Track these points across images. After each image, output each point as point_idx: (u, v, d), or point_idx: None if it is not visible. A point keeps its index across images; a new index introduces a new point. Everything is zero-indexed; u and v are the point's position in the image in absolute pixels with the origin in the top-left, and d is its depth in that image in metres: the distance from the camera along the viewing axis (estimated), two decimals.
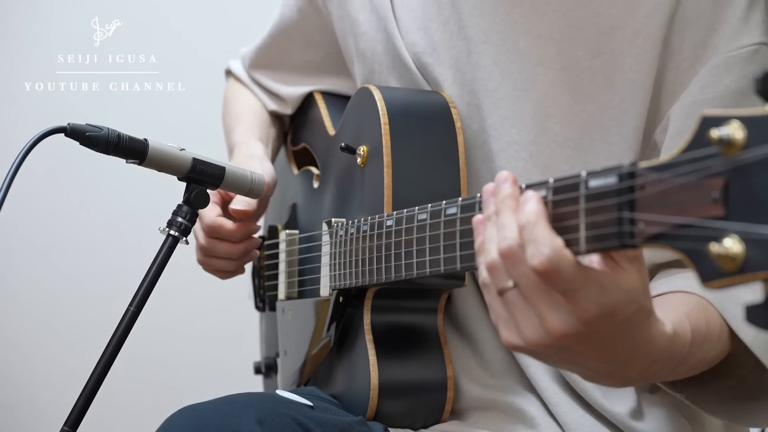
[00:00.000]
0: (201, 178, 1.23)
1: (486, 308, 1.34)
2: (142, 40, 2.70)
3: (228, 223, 1.45)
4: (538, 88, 1.25)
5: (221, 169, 1.24)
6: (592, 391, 1.26)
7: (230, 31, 2.79)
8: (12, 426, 2.75)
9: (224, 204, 1.49)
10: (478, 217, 0.92)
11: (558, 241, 0.83)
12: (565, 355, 0.89)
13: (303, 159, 1.66)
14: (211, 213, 1.45)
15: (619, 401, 1.25)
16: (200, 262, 1.54)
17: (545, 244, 0.83)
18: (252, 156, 1.53)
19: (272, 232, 1.66)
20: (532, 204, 0.85)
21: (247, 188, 1.28)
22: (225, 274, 1.55)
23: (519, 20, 1.26)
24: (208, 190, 1.26)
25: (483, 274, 0.90)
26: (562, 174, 0.86)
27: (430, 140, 1.29)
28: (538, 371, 1.28)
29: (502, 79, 1.27)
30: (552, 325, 0.85)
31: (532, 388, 1.31)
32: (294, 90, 1.66)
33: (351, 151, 1.34)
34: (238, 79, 1.77)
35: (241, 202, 1.44)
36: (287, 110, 1.69)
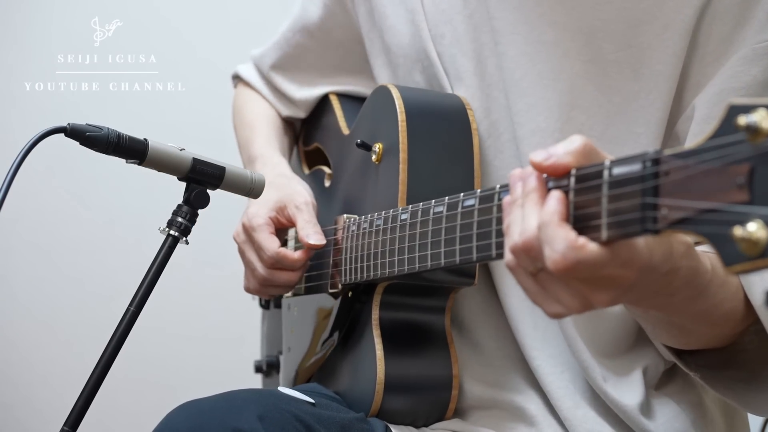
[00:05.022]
0: (201, 178, 1.23)
1: (487, 307, 1.34)
2: (142, 40, 2.69)
3: (291, 254, 1.43)
4: (564, 79, 1.27)
5: (221, 169, 1.24)
6: (603, 382, 1.27)
7: (230, 31, 2.79)
8: (12, 426, 2.75)
9: (277, 230, 1.47)
10: (507, 199, 0.93)
11: (571, 236, 0.85)
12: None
13: (314, 159, 1.67)
14: (272, 244, 1.43)
15: (629, 392, 1.26)
16: (252, 291, 1.51)
17: (559, 243, 0.85)
18: (283, 175, 1.53)
19: None
20: (552, 204, 0.87)
21: (248, 188, 1.28)
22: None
23: (546, 12, 1.28)
24: (209, 190, 1.26)
25: (508, 256, 0.91)
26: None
27: (445, 139, 1.31)
28: (544, 364, 1.29)
29: (529, 68, 1.29)
30: (598, 300, 0.88)
31: (534, 384, 1.31)
32: (309, 93, 1.65)
33: (367, 147, 1.36)
34: (248, 85, 1.76)
35: (314, 236, 1.41)
36: (300, 114, 1.69)
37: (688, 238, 0.95)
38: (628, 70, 1.24)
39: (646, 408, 1.27)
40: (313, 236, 1.40)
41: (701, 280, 0.99)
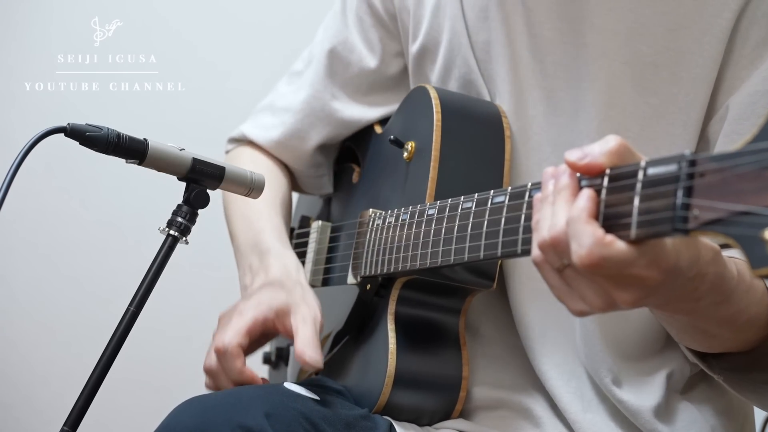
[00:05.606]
0: (201, 178, 1.23)
1: (499, 314, 1.35)
2: (142, 40, 2.69)
3: (240, 362, 1.31)
4: (601, 79, 1.28)
5: (221, 169, 1.24)
6: (612, 385, 1.27)
7: (230, 31, 2.79)
8: (11, 426, 2.74)
9: (261, 334, 1.35)
10: (538, 196, 0.95)
11: (599, 232, 0.85)
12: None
13: (345, 156, 1.67)
14: (234, 338, 1.31)
15: (647, 395, 1.27)
16: (206, 372, 1.38)
17: (586, 239, 0.85)
18: (299, 283, 1.39)
19: (304, 222, 1.67)
20: (582, 200, 0.88)
21: (248, 188, 1.28)
22: None
23: (586, 16, 1.29)
24: (209, 190, 1.25)
25: (535, 252, 0.92)
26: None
27: (478, 143, 1.33)
28: (552, 371, 1.30)
29: (571, 70, 1.30)
30: (622, 299, 0.88)
31: (542, 389, 1.32)
32: (356, 112, 1.57)
33: (399, 144, 1.37)
34: (258, 147, 1.62)
35: (311, 354, 1.28)
36: (339, 137, 1.60)
37: (716, 245, 0.95)
38: (666, 73, 1.26)
39: (663, 411, 1.27)
40: (310, 354, 1.28)
41: (727, 286, 0.99)
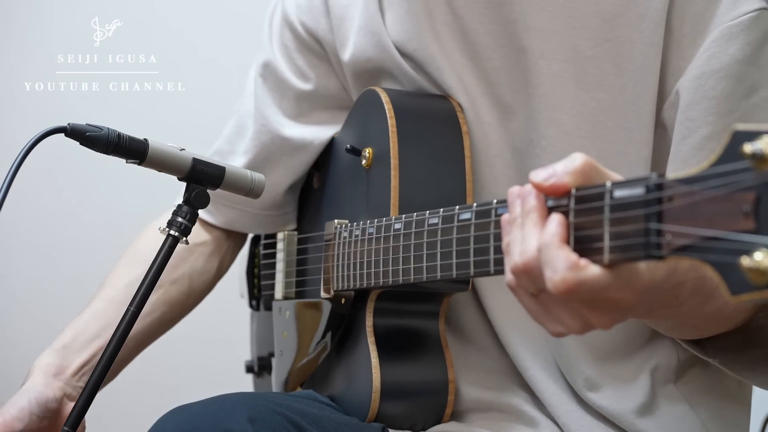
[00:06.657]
0: (201, 178, 1.23)
1: (482, 310, 1.34)
2: (142, 40, 2.69)
3: None
4: (543, 82, 1.25)
5: (221, 169, 1.24)
6: (587, 391, 1.27)
7: (230, 30, 2.79)
8: None
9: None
10: (505, 217, 0.93)
11: (572, 258, 0.84)
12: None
13: None
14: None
15: (628, 397, 1.26)
16: None
17: (561, 265, 0.84)
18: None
19: None
20: (552, 226, 0.86)
21: (248, 188, 1.28)
22: None
23: (518, 18, 1.26)
24: (209, 190, 1.25)
25: (509, 277, 0.91)
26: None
27: (436, 143, 1.29)
28: (537, 375, 1.29)
29: (514, 75, 1.28)
30: (598, 322, 0.87)
31: (529, 390, 1.31)
32: (316, 132, 1.50)
33: (356, 152, 1.34)
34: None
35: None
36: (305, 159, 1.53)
37: None
38: (609, 65, 1.23)
39: (647, 409, 1.26)
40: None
41: (709, 286, 0.98)
